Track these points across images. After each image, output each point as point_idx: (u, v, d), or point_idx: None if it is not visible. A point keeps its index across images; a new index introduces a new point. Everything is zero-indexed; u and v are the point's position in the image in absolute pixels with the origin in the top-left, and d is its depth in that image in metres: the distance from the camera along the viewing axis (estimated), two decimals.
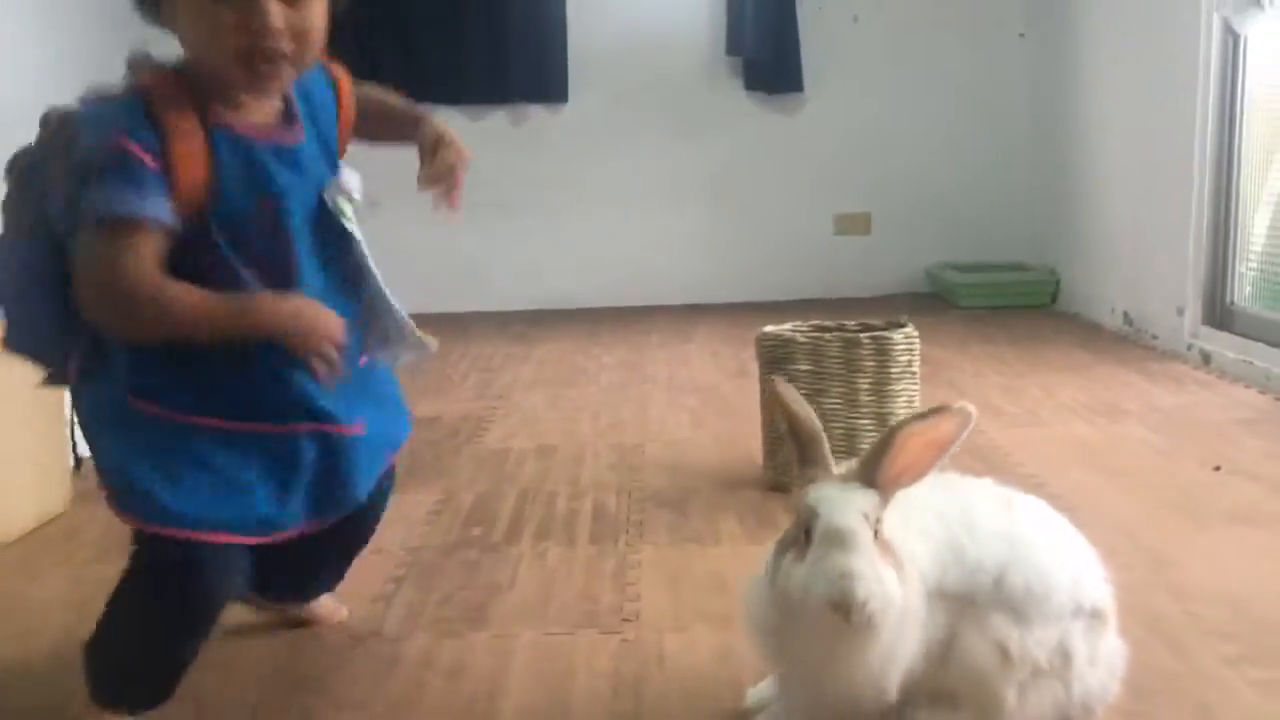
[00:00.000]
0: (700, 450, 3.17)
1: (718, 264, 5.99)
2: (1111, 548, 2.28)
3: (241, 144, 1.52)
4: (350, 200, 1.66)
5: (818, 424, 1.50)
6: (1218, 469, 2.80)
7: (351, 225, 1.67)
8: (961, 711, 1.52)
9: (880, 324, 2.89)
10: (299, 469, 1.59)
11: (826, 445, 1.49)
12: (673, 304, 5.90)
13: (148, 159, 1.41)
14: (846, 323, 2.95)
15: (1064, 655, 1.52)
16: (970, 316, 5.28)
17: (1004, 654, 1.49)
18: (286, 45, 1.46)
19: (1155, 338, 4.46)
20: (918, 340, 2.78)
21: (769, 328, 2.84)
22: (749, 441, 3.04)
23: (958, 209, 5.95)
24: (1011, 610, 1.49)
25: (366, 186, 1.69)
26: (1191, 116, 4.12)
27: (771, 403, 2.77)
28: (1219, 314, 4.13)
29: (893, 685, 1.45)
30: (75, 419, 1.63)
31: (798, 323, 2.92)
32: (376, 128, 1.83)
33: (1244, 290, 4.08)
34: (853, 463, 1.46)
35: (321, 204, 1.63)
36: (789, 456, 1.58)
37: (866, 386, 2.72)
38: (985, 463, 2.92)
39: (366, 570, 2.30)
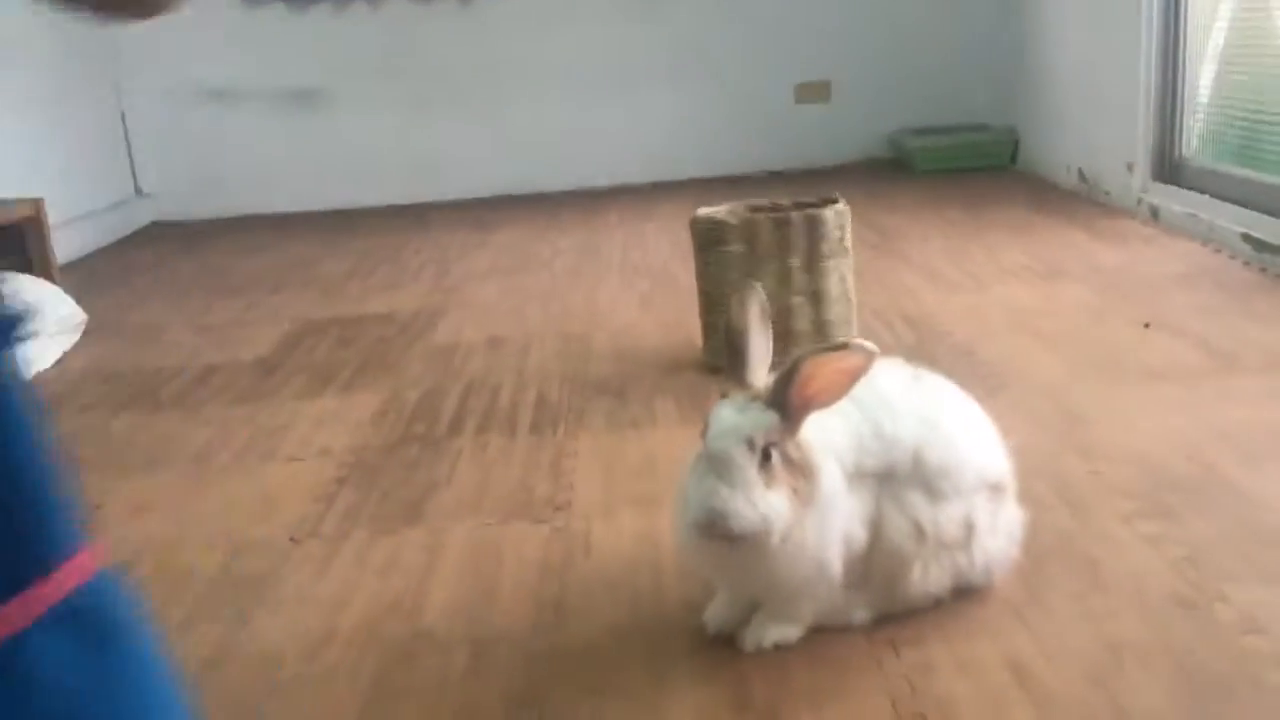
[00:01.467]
0: (645, 334, 3.22)
1: (679, 140, 5.95)
2: (1031, 410, 2.39)
3: None
4: None
5: (747, 337, 1.55)
6: (1147, 326, 2.86)
7: None
8: (868, 588, 1.60)
9: (814, 201, 2.91)
10: None
11: (750, 358, 1.54)
12: (636, 183, 5.89)
13: None
14: (781, 201, 2.96)
15: (968, 528, 1.61)
16: (929, 181, 5.28)
17: (919, 530, 1.57)
18: None
19: (1108, 194, 4.48)
20: (849, 216, 2.80)
21: (702, 210, 2.87)
22: (693, 323, 3.08)
23: (917, 73, 5.88)
24: (926, 487, 1.57)
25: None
26: None
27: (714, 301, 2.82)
28: (1168, 168, 4.14)
29: (832, 571, 1.53)
30: None
31: (733, 204, 2.95)
32: None
33: (1191, 144, 4.09)
34: (768, 380, 1.51)
35: None
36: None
37: (799, 265, 2.75)
38: (918, 332, 2.98)
39: (310, 472, 2.39)
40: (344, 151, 5.88)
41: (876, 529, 1.56)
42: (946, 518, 1.58)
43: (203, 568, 1.99)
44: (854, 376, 1.46)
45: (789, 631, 1.60)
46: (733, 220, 2.78)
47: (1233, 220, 3.57)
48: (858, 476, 1.55)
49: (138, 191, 5.87)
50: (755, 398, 1.48)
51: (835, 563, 1.53)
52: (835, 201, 2.84)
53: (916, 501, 1.57)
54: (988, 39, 5.73)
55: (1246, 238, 3.44)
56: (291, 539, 2.08)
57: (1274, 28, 3.52)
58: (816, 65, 5.93)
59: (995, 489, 1.64)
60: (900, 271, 3.62)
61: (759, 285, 1.60)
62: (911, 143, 5.60)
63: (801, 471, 1.47)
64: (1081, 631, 1.57)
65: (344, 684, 1.60)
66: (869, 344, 1.44)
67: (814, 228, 2.74)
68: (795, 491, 1.45)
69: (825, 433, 1.53)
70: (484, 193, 5.88)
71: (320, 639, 1.72)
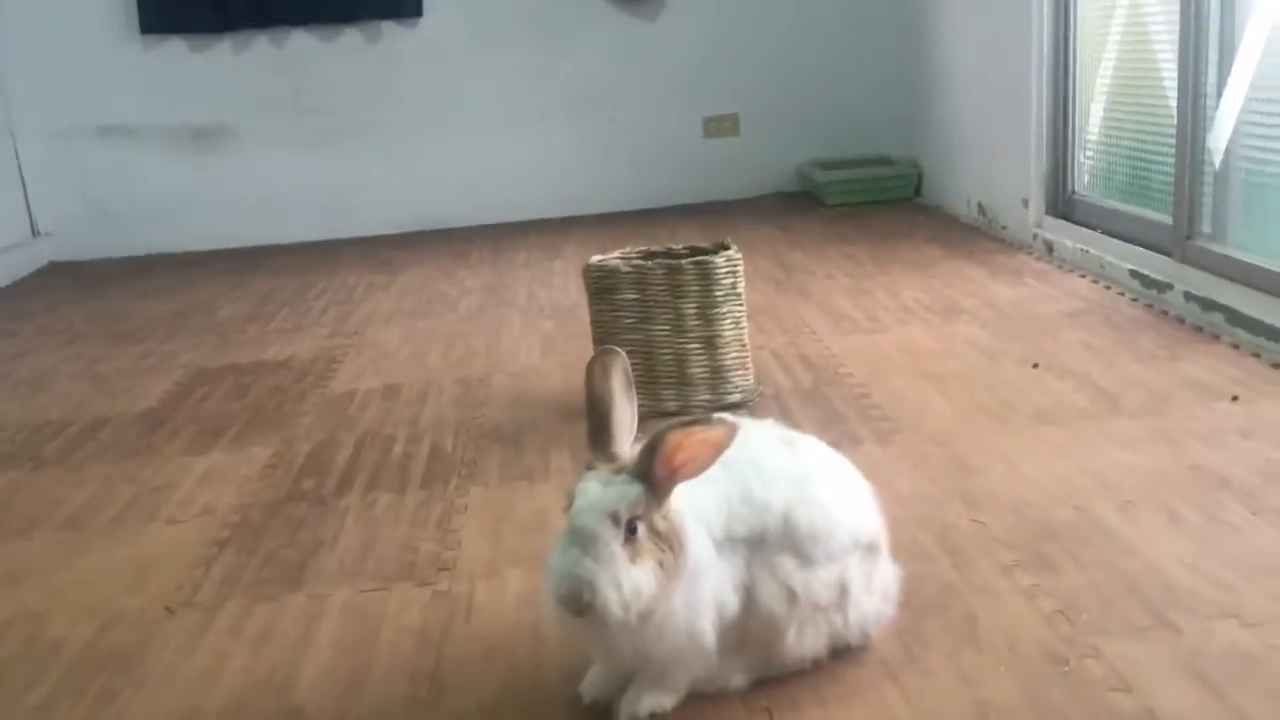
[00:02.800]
0: (546, 378, 3.21)
1: (589, 175, 5.95)
2: (921, 458, 2.40)
3: None
4: None
5: (610, 406, 1.53)
6: (1035, 366, 2.90)
7: None
8: (743, 654, 1.59)
9: (708, 246, 2.91)
10: None
11: (615, 428, 1.53)
12: (546, 217, 5.88)
13: None
14: (674, 247, 2.97)
15: (842, 590, 1.60)
16: (835, 214, 5.34)
17: (791, 595, 1.56)
18: None
19: (1005, 228, 4.56)
20: (740, 262, 2.81)
21: (595, 258, 2.86)
22: None
23: (824, 107, 5.96)
24: (797, 551, 1.56)
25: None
26: (1029, 10, 4.15)
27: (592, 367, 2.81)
28: (1060, 204, 4.23)
29: (705, 639, 1.51)
30: None
31: (627, 249, 2.94)
32: None
33: (1083, 180, 4.18)
34: (634, 453, 1.49)
35: None
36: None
37: (692, 311, 2.75)
38: (815, 373, 3.00)
39: (191, 535, 2.33)
40: (249, 189, 5.79)
41: (749, 594, 1.55)
42: (819, 581, 1.58)
43: (70, 642, 1.92)
44: (719, 448, 1.45)
45: (664, 700, 1.58)
46: (624, 267, 2.77)
47: (1121, 256, 3.65)
48: (728, 542, 1.54)
49: (34, 232, 5.71)
50: (620, 470, 1.47)
51: (708, 631, 1.52)
52: (727, 247, 2.85)
53: (788, 565, 1.56)
54: (892, 74, 5.82)
55: (1134, 274, 3.52)
56: (166, 609, 2.02)
57: (1156, 69, 3.61)
58: (725, 99, 5.98)
59: (869, 549, 1.65)
60: (802, 310, 3.64)
61: (620, 351, 1.58)
62: (820, 176, 5.65)
63: (668, 543, 1.45)
64: (955, 693, 1.57)
65: None
66: (730, 417, 1.44)
67: (706, 274, 2.75)
68: (661, 565, 1.43)
69: (694, 500, 1.52)
70: (392, 229, 5.83)
71: (187, 718, 1.66)
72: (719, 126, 6.03)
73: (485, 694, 1.67)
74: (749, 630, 1.57)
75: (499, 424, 2.85)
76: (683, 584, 1.47)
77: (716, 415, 1.45)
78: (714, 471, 1.50)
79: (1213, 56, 3.19)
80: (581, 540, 1.40)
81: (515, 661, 1.75)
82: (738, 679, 1.60)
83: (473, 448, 2.70)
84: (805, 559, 1.56)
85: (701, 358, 2.77)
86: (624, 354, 1.58)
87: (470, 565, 2.09)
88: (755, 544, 1.55)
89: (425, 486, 2.49)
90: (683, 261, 2.77)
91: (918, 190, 5.62)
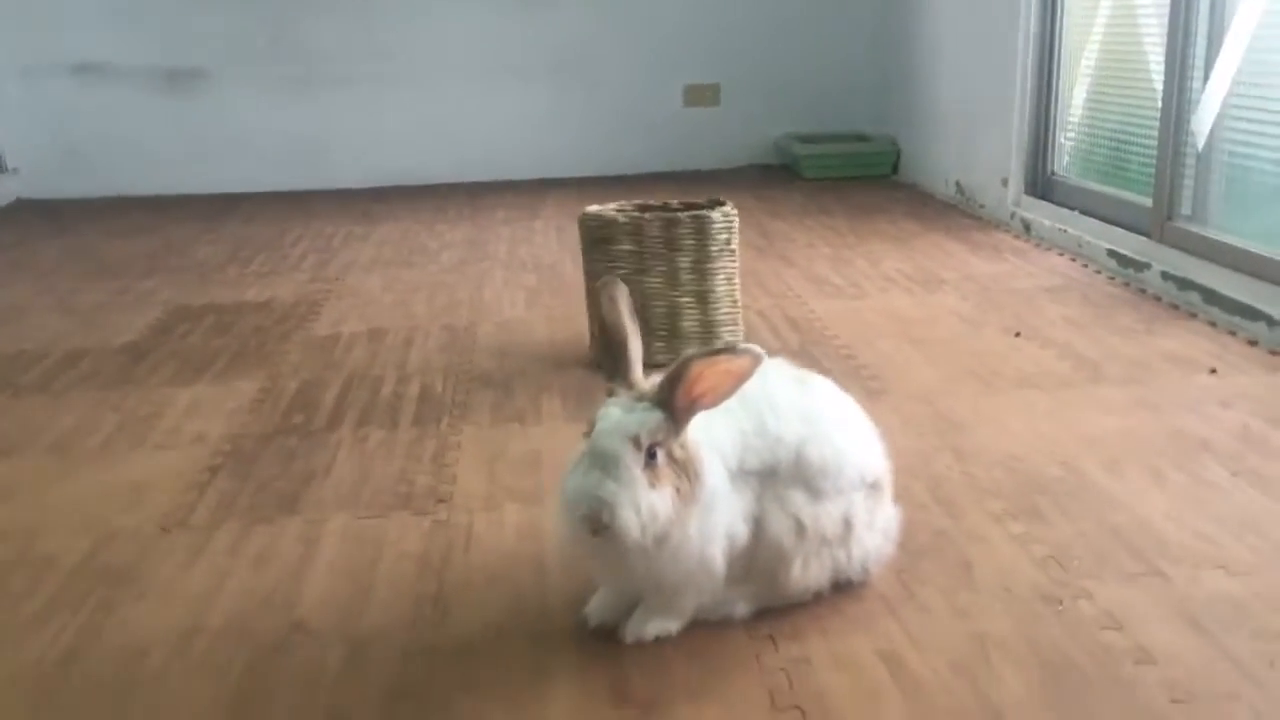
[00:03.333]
0: (532, 330, 3.21)
1: (568, 138, 5.94)
2: (909, 415, 2.44)
3: None
4: None
5: (627, 335, 1.55)
6: (1017, 335, 2.95)
7: None
8: (749, 583, 1.62)
9: (702, 202, 2.93)
10: None
11: (632, 356, 1.55)
12: (523, 179, 5.87)
13: None
14: (670, 201, 2.98)
15: (846, 525, 1.64)
16: (814, 187, 5.38)
17: (799, 527, 1.59)
18: None
19: (983, 207, 4.62)
20: (736, 218, 2.83)
21: (592, 208, 2.87)
22: (580, 320, 3.09)
23: (804, 81, 5.99)
24: (807, 485, 1.59)
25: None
26: None
27: (598, 298, 2.82)
28: (1039, 184, 4.30)
29: (715, 566, 1.54)
30: None
31: (622, 202, 2.95)
32: None
33: (1062, 161, 4.24)
34: (655, 379, 1.51)
35: None
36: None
37: (687, 265, 2.77)
38: (802, 334, 3.03)
39: (182, 461, 2.32)
40: (225, 134, 5.72)
41: (759, 525, 1.58)
42: (826, 515, 1.61)
43: (65, 556, 1.91)
44: (740, 379, 1.48)
45: (669, 625, 1.61)
46: (621, 218, 2.78)
47: (1099, 236, 3.72)
48: (741, 474, 1.57)
49: (2, 168, 5.61)
50: (641, 397, 1.49)
51: (718, 559, 1.54)
52: (723, 204, 2.87)
53: (798, 499, 1.59)
54: (873, 51, 5.86)
55: (1111, 253, 3.58)
56: (162, 528, 2.01)
57: (1142, 53, 3.67)
58: (706, 68, 5.99)
59: (873, 488, 1.68)
60: (785, 275, 3.67)
61: (619, 280, 1.61)
62: (798, 149, 5.69)
63: (685, 471, 1.48)
64: (952, 626, 1.61)
65: (213, 678, 1.55)
66: (755, 347, 1.46)
67: (702, 229, 2.76)
68: (678, 491, 1.46)
69: (710, 431, 1.54)
70: (369, 182, 5.79)
71: (188, 631, 1.67)
72: (699, 95, 6.04)
73: (489, 616, 1.69)
74: (757, 560, 1.60)
75: (488, 370, 2.85)
76: (697, 511, 1.49)
77: (741, 345, 1.46)
78: (730, 404, 1.52)
79: (1201, 40, 3.25)
80: (603, 462, 1.43)
81: (518, 588, 1.76)
82: (741, 608, 1.63)
83: (463, 391, 2.70)
84: (815, 493, 1.60)
85: (694, 312, 2.79)
86: (621, 281, 1.61)
87: (467, 499, 2.10)
88: (766, 476, 1.58)
89: (417, 424, 2.49)
90: (679, 214, 2.79)
91: (894, 168, 5.67)
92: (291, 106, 5.72)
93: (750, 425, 1.58)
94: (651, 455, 1.44)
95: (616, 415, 1.46)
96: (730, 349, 1.46)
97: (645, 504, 1.42)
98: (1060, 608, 1.65)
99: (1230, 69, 3.16)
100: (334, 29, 5.66)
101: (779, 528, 1.58)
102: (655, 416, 1.46)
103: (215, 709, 1.48)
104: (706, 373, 1.46)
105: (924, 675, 1.50)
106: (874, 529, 1.70)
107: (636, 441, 1.43)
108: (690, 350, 1.49)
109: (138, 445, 2.42)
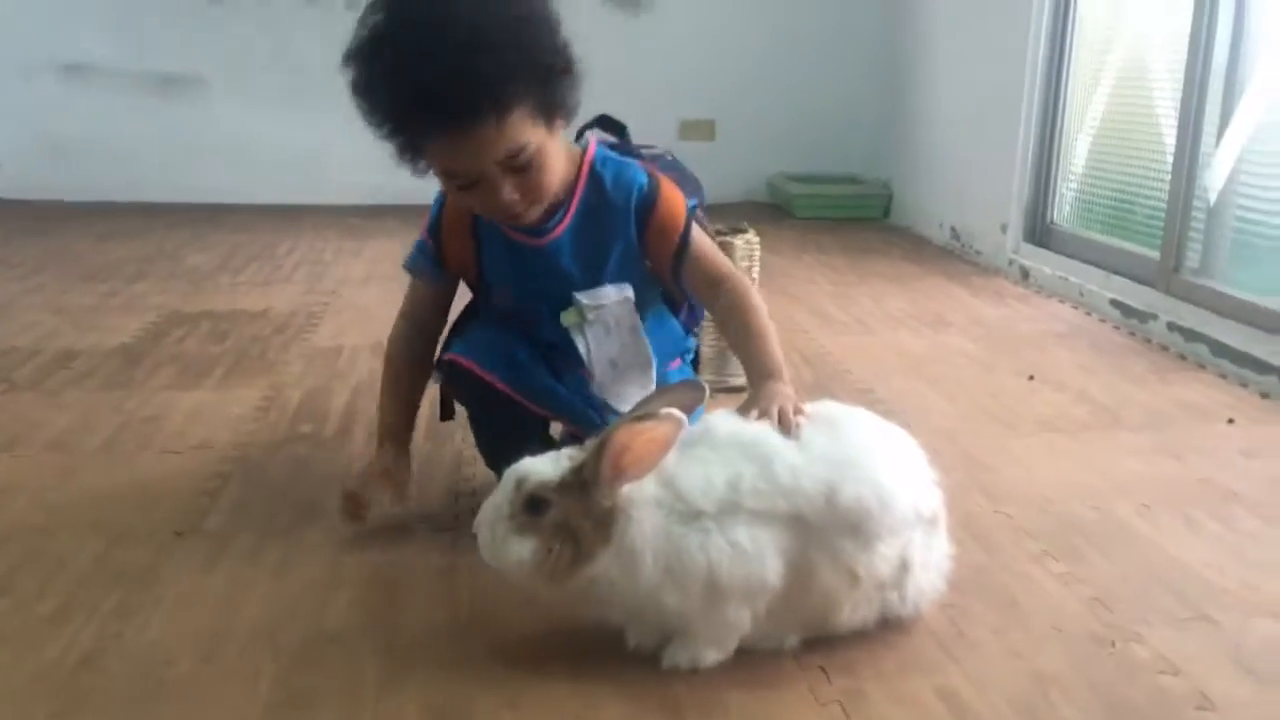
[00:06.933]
0: None
1: None
2: (933, 451, 2.37)
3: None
4: (579, 311, 1.88)
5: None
6: (1031, 379, 2.94)
7: (574, 331, 1.89)
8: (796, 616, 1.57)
9: (724, 229, 2.90)
10: None
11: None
12: None
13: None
14: None
15: (903, 565, 1.58)
16: (807, 226, 5.38)
17: (853, 578, 1.53)
18: (522, 204, 1.75)
19: (979, 253, 4.64)
20: (758, 246, 2.81)
21: None
22: None
23: (800, 121, 6.01)
24: (854, 532, 1.52)
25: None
26: (1024, 43, 4.24)
27: None
28: (1039, 232, 4.32)
29: (668, 604, 1.49)
30: None
31: None
32: (728, 338, 1.97)
33: (1063, 210, 4.27)
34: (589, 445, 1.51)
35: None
36: None
37: None
38: (815, 370, 3.00)
39: (190, 465, 2.24)
40: (216, 144, 5.63)
41: (805, 574, 1.52)
42: (881, 558, 1.55)
43: (78, 557, 1.83)
44: (665, 446, 1.46)
45: (708, 655, 1.54)
46: None
47: (1102, 285, 3.74)
48: (745, 513, 1.49)
49: None
50: (577, 457, 1.49)
51: (691, 592, 1.48)
52: (745, 230, 2.84)
53: (848, 548, 1.52)
54: (868, 93, 5.90)
55: (1115, 303, 3.60)
56: (176, 533, 1.93)
57: (1151, 108, 3.70)
58: (703, 104, 6.00)
59: (930, 523, 1.64)
60: (789, 310, 3.65)
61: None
62: (792, 188, 5.70)
63: (581, 539, 1.45)
64: (1006, 665, 1.57)
65: (243, 687, 1.48)
66: (677, 412, 1.45)
67: (725, 255, 2.72)
68: (550, 552, 1.45)
69: (671, 483, 1.50)
70: (361, 198, 5.72)
71: (214, 638, 1.59)
72: (695, 130, 6.04)
73: (525, 631, 1.63)
74: (804, 605, 1.54)
75: None
76: (620, 558, 1.46)
77: (664, 411, 1.44)
78: (716, 451, 1.52)
79: (1216, 97, 3.29)
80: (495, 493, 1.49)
81: (553, 604, 1.70)
82: (792, 640, 1.59)
83: None
84: (865, 538, 1.53)
85: (710, 337, 2.76)
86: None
87: None
88: (798, 525, 1.50)
89: (431, 439, 2.43)
90: None
91: (886, 212, 5.70)
92: (286, 118, 5.65)
93: (749, 470, 1.51)
94: (533, 508, 1.45)
95: (535, 461, 1.49)
96: (653, 415, 1.44)
97: (499, 540, 1.46)
98: (1113, 649, 1.62)
99: (1246, 127, 3.19)
100: (327, 42, 5.58)
101: (830, 580, 1.52)
102: (553, 478, 1.46)
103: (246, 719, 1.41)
104: (631, 444, 1.43)
105: (984, 713, 1.46)
106: (929, 567, 1.65)
107: (520, 485, 1.46)
108: (618, 420, 1.48)
109: (142, 448, 2.34)
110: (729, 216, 5.57)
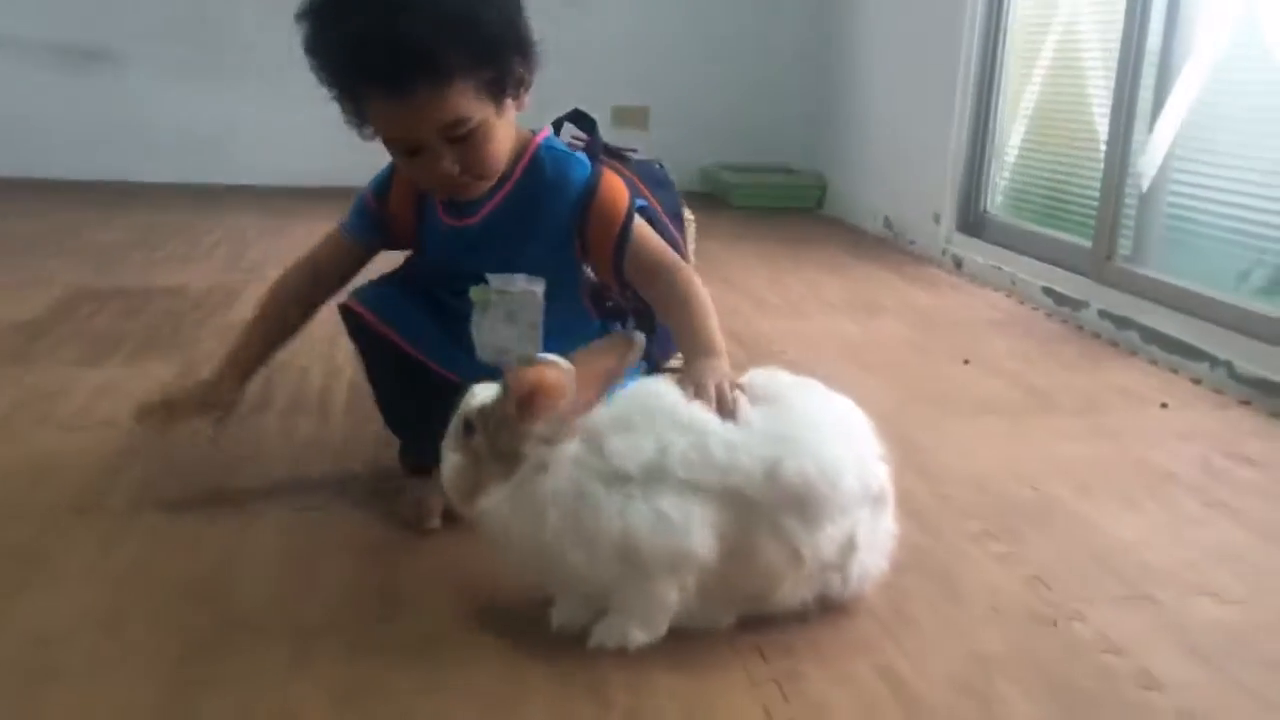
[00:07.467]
0: None
1: None
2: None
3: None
4: (486, 292, 1.86)
5: None
6: (967, 363, 2.92)
7: (477, 309, 1.88)
8: (731, 599, 1.50)
9: None
10: None
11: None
12: None
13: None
14: None
15: (850, 546, 1.51)
16: (742, 216, 5.34)
17: (797, 558, 1.46)
18: (463, 178, 1.75)
19: (913, 242, 4.62)
20: (693, 225, 2.74)
21: None
22: None
23: (733, 111, 5.98)
24: (800, 511, 1.44)
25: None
26: (958, 34, 4.24)
27: None
28: (972, 222, 4.31)
29: (571, 563, 1.42)
30: None
31: None
32: (668, 320, 1.84)
33: (996, 200, 4.27)
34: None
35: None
36: None
37: None
38: (750, 351, 2.95)
39: (91, 442, 2.12)
40: (125, 120, 5.44)
41: (746, 553, 1.44)
42: (827, 539, 1.48)
43: None
44: (564, 392, 1.41)
45: (637, 635, 1.46)
46: None
47: (1034, 274, 3.73)
48: (674, 481, 1.41)
49: None
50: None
51: (600, 556, 1.41)
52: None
53: (792, 526, 1.44)
54: (801, 84, 5.88)
55: (1048, 291, 3.59)
56: (75, 509, 1.81)
57: (1085, 92, 3.71)
58: (635, 90, 5.93)
59: (878, 500, 1.57)
60: (726, 295, 3.59)
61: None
62: (728, 178, 5.65)
63: (493, 460, 1.43)
64: (946, 644, 1.52)
65: (142, 672, 1.37)
66: (562, 361, 1.42)
67: None
68: (477, 466, 1.45)
69: (604, 446, 1.43)
70: (280, 180, 5.56)
71: (112, 620, 1.48)
72: (628, 118, 5.97)
73: (449, 611, 1.54)
74: (742, 585, 1.48)
75: None
76: (518, 497, 1.42)
77: (581, 356, 1.45)
78: (636, 418, 1.46)
79: (1149, 84, 3.29)
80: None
81: (476, 581, 1.62)
82: (726, 620, 1.52)
83: None
84: (811, 518, 1.46)
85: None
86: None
87: None
88: (736, 501, 1.43)
89: (350, 415, 2.33)
90: None
91: (820, 202, 5.68)
92: (201, 96, 5.48)
93: (683, 440, 1.43)
94: (468, 430, 1.45)
95: (489, 388, 1.47)
96: (544, 361, 1.42)
97: (445, 452, 1.48)
98: (1054, 628, 1.57)
99: (1178, 114, 3.20)
100: (253, 17, 5.43)
101: (773, 560, 1.45)
102: (480, 407, 1.46)
103: (144, 705, 1.31)
104: (539, 384, 1.40)
105: (925, 692, 1.40)
106: (874, 548, 1.58)
107: (464, 406, 1.48)
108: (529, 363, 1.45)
109: (40, 423, 2.21)
110: None
